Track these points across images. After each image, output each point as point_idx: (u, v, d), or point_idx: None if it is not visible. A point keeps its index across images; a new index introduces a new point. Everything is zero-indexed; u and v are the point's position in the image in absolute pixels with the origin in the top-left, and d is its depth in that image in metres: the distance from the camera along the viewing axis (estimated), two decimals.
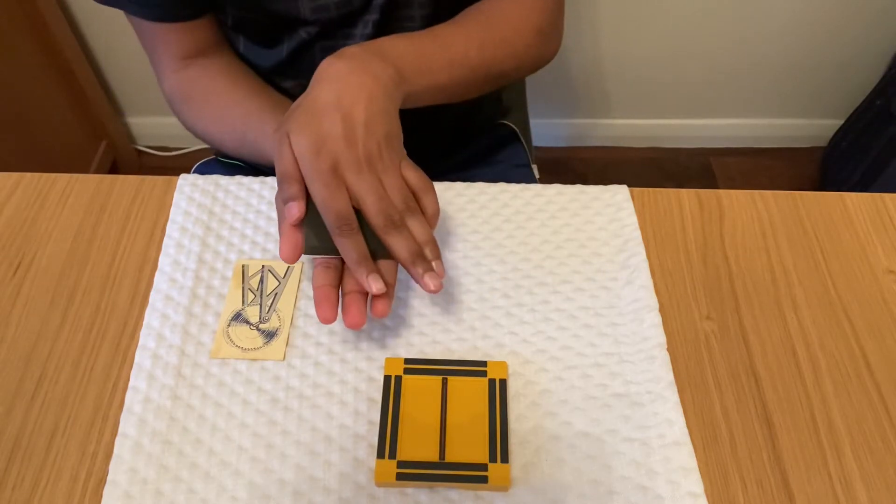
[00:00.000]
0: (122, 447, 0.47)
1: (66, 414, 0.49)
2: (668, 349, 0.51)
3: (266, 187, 0.61)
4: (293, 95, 0.70)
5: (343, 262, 0.49)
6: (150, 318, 0.53)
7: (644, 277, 0.55)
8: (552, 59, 0.69)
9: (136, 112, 1.59)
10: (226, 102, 0.63)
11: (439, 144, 0.80)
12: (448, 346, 0.52)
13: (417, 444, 0.46)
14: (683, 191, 0.62)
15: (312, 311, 0.53)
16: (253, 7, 0.62)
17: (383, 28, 0.65)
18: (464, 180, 0.63)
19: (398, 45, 0.54)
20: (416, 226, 0.48)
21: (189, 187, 0.61)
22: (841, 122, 1.51)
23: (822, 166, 1.56)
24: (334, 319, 0.46)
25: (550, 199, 0.61)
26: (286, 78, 0.70)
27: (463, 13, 0.63)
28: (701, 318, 0.54)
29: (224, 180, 0.62)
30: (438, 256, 0.48)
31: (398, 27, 0.67)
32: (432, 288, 0.47)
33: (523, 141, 0.88)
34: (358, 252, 0.46)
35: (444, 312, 0.54)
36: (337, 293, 0.48)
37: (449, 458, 0.45)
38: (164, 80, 0.66)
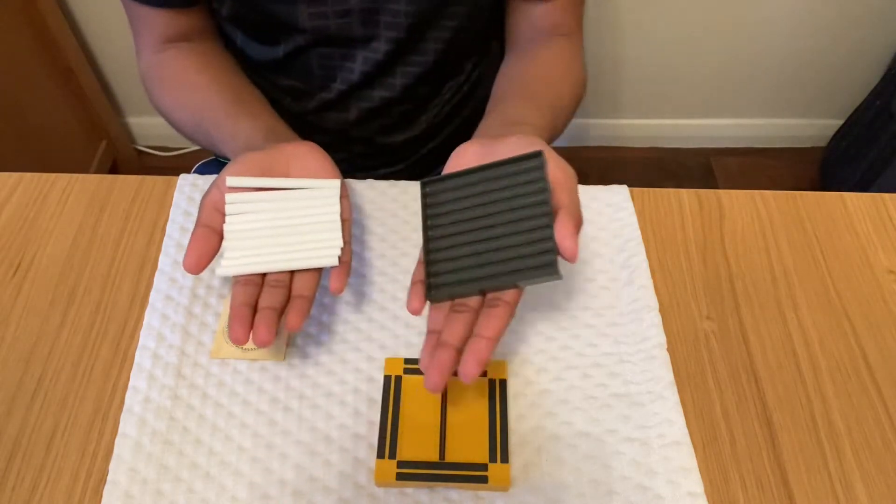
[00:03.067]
0: (122, 447, 0.46)
1: (66, 414, 0.49)
2: (668, 349, 0.51)
3: None
4: (288, 92, 0.70)
5: (263, 278, 0.47)
6: (150, 318, 0.53)
7: (644, 277, 0.55)
8: None
9: (136, 112, 1.59)
10: (189, 87, 0.62)
11: (444, 146, 0.81)
12: None
13: (417, 444, 0.46)
14: (683, 191, 0.62)
15: (313, 311, 0.53)
16: (251, 5, 0.62)
17: (393, 57, 0.66)
18: None
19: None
20: None
21: (189, 187, 0.61)
22: (841, 122, 1.51)
23: (822, 166, 1.56)
24: (246, 340, 0.43)
25: None
26: (281, 76, 0.70)
27: (518, 85, 0.62)
28: (701, 318, 0.54)
29: None
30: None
31: (409, 63, 0.68)
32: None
33: None
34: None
35: None
36: (252, 313, 0.45)
37: (449, 458, 0.45)
38: (142, 59, 0.66)
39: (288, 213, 0.49)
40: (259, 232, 0.48)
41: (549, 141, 0.55)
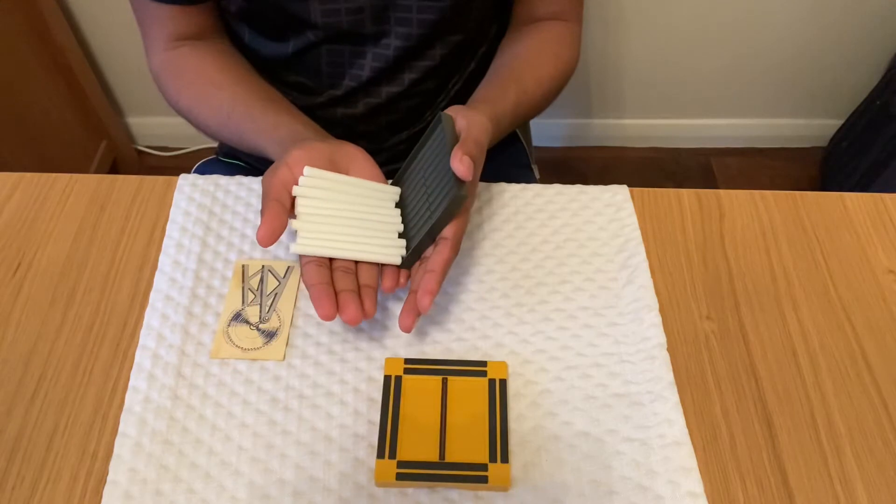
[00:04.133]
0: (122, 447, 0.47)
1: (66, 414, 0.49)
2: (668, 349, 0.51)
3: None
4: (296, 88, 0.70)
5: (332, 260, 0.50)
6: (150, 318, 0.53)
7: (644, 277, 0.55)
8: None
9: (136, 112, 1.59)
10: (213, 84, 0.63)
11: None
12: (448, 346, 0.52)
13: (417, 444, 0.46)
14: (683, 191, 0.62)
15: (312, 310, 0.53)
16: (263, 1, 0.62)
17: (403, 53, 0.66)
18: None
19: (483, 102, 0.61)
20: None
21: (189, 187, 0.61)
22: (841, 122, 1.51)
23: (822, 166, 1.56)
24: (335, 316, 0.47)
25: (550, 199, 0.61)
26: (291, 72, 0.70)
27: (500, 66, 0.67)
28: (701, 318, 0.54)
29: (224, 180, 0.62)
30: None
31: (418, 59, 0.68)
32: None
33: (523, 141, 0.88)
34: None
35: (444, 312, 0.54)
36: (333, 290, 0.48)
37: (449, 458, 0.45)
38: (153, 57, 0.66)
39: (355, 206, 0.52)
40: (329, 218, 0.51)
41: (514, 118, 0.62)
